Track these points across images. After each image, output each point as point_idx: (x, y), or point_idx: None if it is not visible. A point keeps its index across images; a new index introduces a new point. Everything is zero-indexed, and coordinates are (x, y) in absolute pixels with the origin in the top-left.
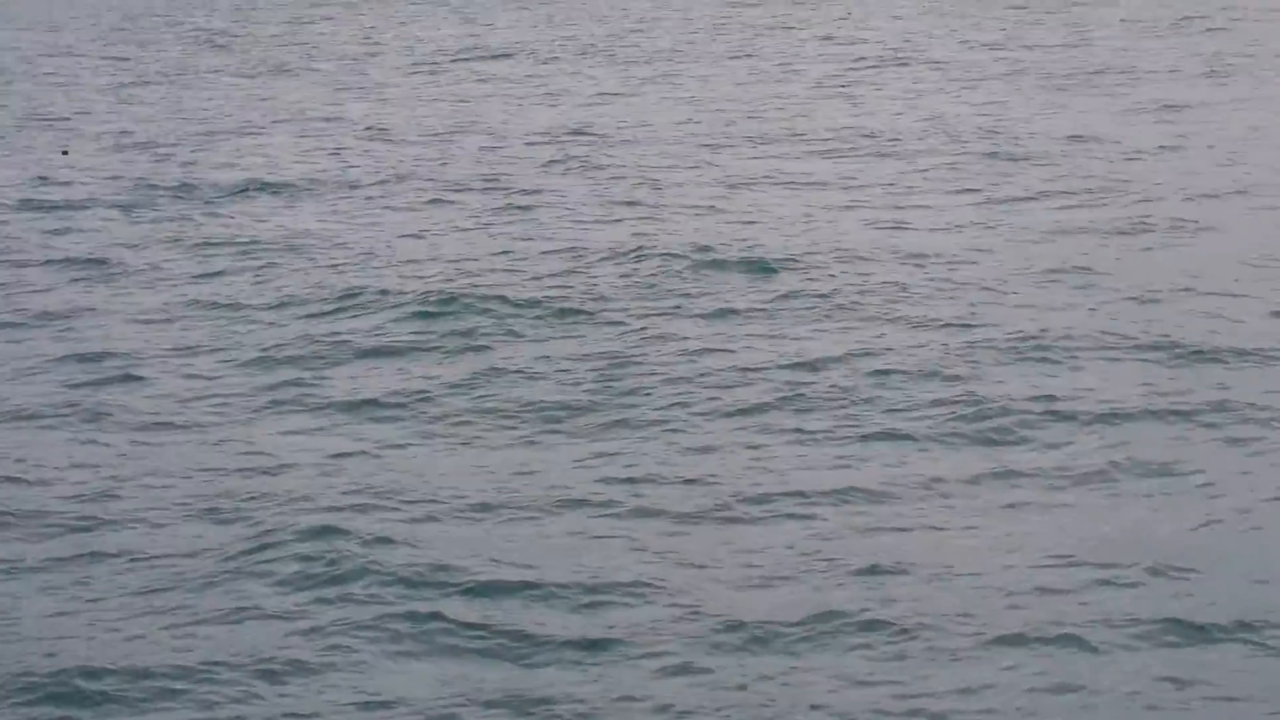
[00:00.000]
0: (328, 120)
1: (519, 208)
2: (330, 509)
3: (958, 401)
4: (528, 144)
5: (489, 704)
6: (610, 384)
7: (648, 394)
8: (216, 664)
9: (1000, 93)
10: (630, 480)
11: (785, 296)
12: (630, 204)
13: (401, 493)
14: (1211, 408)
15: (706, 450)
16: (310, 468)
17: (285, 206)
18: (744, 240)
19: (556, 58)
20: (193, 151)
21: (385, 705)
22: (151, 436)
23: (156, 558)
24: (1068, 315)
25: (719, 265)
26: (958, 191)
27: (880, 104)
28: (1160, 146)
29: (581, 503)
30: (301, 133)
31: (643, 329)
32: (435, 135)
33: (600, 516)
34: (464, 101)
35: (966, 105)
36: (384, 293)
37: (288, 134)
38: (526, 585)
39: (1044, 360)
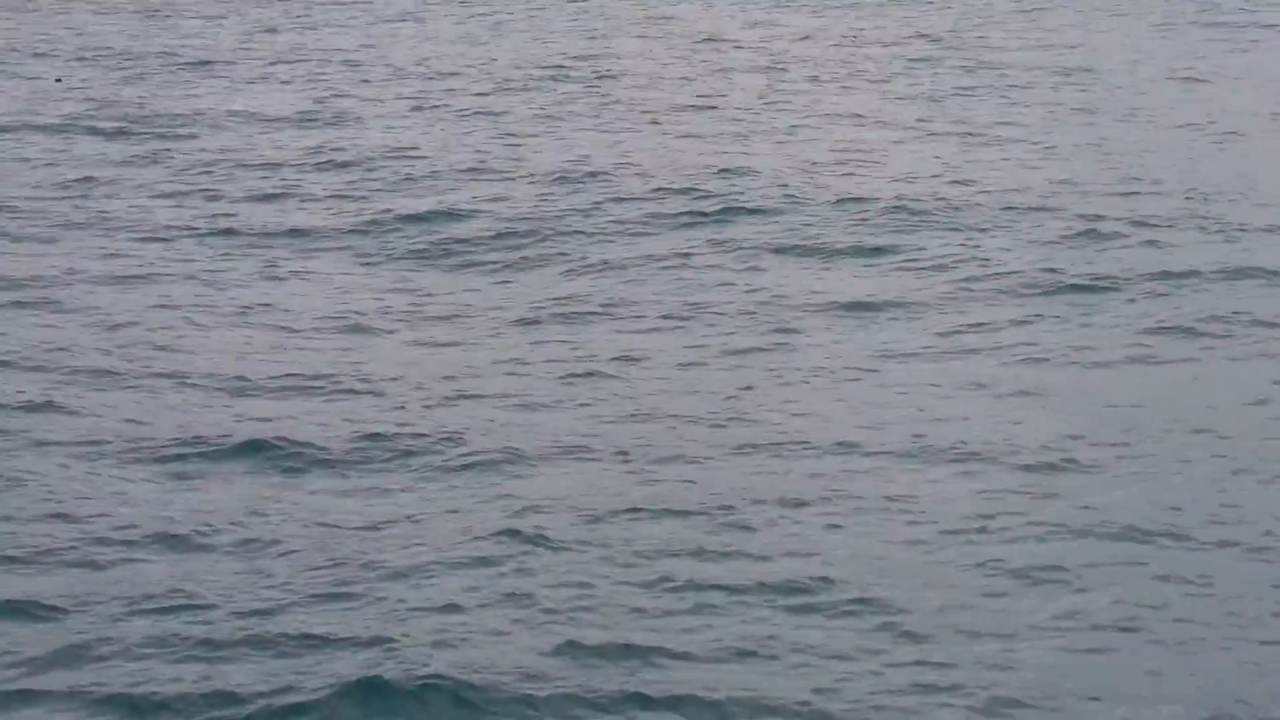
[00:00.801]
0: (324, 60)
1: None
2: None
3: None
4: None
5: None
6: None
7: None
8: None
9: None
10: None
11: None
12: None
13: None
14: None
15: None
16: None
17: (270, 134)
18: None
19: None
20: (181, 81)
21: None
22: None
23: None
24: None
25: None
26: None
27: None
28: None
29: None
30: (301, 69)
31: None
32: (430, 71)
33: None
34: (458, 45)
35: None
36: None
37: (281, 69)
38: None
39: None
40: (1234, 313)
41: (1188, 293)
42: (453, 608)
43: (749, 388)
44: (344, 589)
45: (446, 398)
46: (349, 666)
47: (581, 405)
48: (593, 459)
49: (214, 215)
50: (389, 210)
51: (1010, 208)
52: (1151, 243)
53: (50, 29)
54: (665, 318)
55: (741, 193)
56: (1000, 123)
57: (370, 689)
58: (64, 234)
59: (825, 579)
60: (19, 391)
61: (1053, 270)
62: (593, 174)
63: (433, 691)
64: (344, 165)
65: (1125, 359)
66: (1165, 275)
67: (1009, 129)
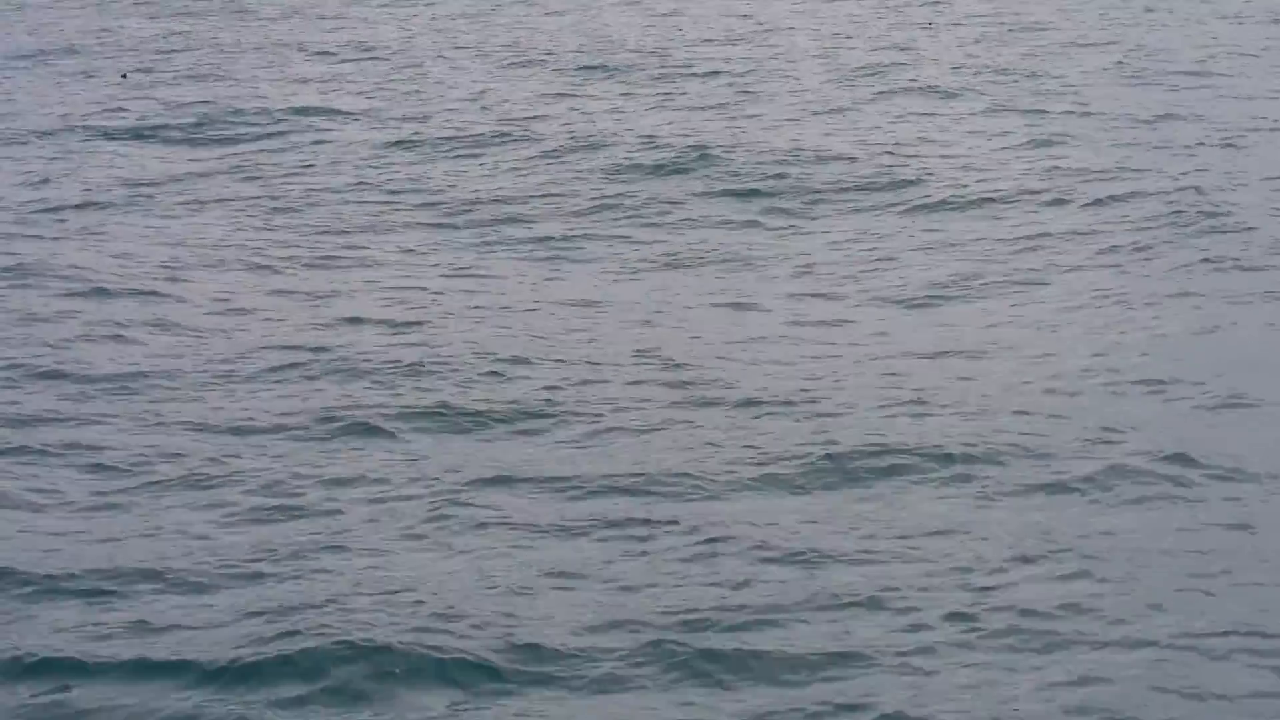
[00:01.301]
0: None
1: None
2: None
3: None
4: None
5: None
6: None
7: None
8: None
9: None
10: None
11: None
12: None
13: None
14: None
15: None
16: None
17: (337, 130)
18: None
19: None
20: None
21: None
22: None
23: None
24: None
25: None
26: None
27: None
28: None
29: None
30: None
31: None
32: (491, 61)
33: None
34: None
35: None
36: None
37: (333, 66)
38: None
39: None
40: None
41: (1242, 268)
42: (489, 580)
43: (808, 363)
44: (404, 557)
45: (503, 372)
46: (396, 633)
47: (636, 382)
48: (647, 433)
49: (278, 207)
50: (450, 195)
51: (1077, 187)
52: (1215, 213)
53: (112, 26)
54: (726, 298)
55: (803, 173)
56: (1052, 96)
57: (415, 660)
58: (133, 224)
59: (856, 529)
60: (84, 366)
61: (1119, 246)
62: (658, 161)
63: (480, 663)
64: (410, 152)
65: (1182, 331)
66: (1219, 251)
67: (1064, 105)
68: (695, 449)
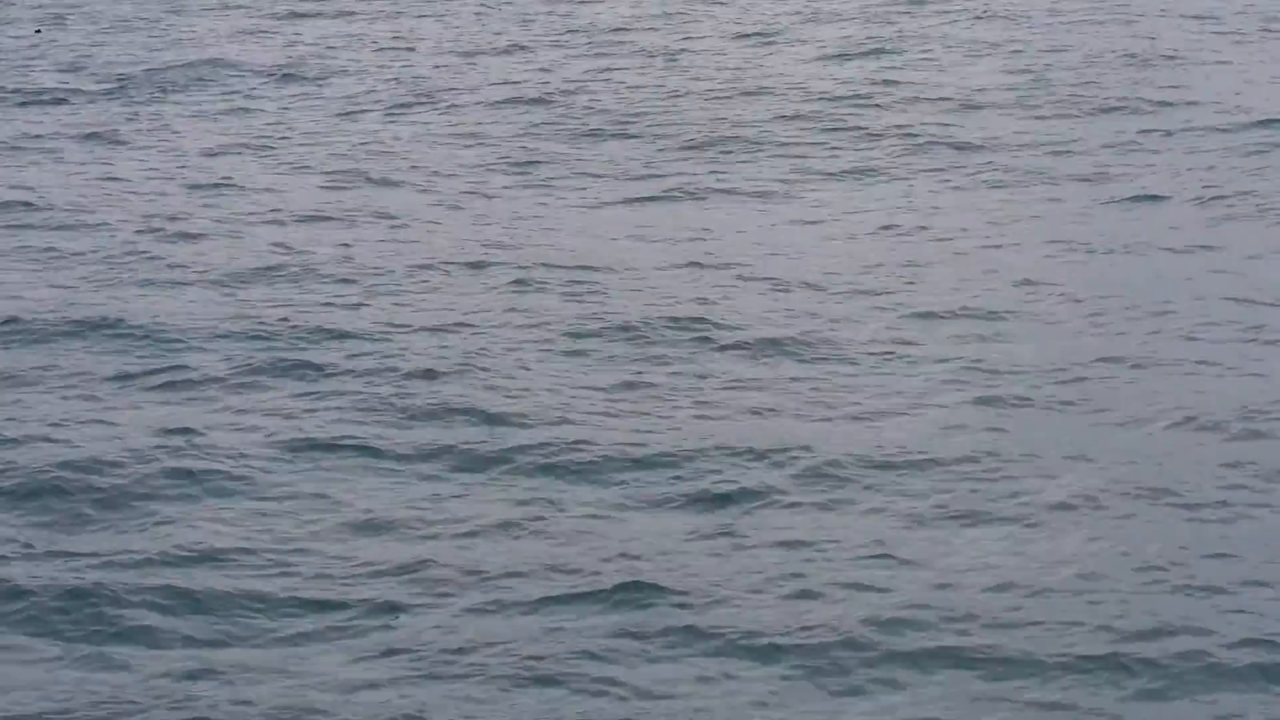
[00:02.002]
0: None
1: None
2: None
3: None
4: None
5: None
6: None
7: None
8: None
9: None
10: None
11: None
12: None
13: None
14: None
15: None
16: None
17: (253, 83)
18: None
19: None
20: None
21: None
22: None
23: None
24: None
25: None
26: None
27: None
28: None
29: None
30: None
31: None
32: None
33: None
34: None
35: None
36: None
37: (250, 19)
38: None
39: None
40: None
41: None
42: (349, 518)
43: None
44: (264, 494)
45: (386, 318)
46: (246, 579)
47: (511, 310)
48: (521, 371)
49: (189, 162)
50: (359, 151)
51: (977, 145)
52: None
53: None
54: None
55: (714, 135)
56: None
57: (274, 606)
58: (44, 174)
59: (727, 443)
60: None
61: (1009, 199)
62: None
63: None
64: (324, 108)
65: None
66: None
67: (983, 66)
68: (568, 378)
